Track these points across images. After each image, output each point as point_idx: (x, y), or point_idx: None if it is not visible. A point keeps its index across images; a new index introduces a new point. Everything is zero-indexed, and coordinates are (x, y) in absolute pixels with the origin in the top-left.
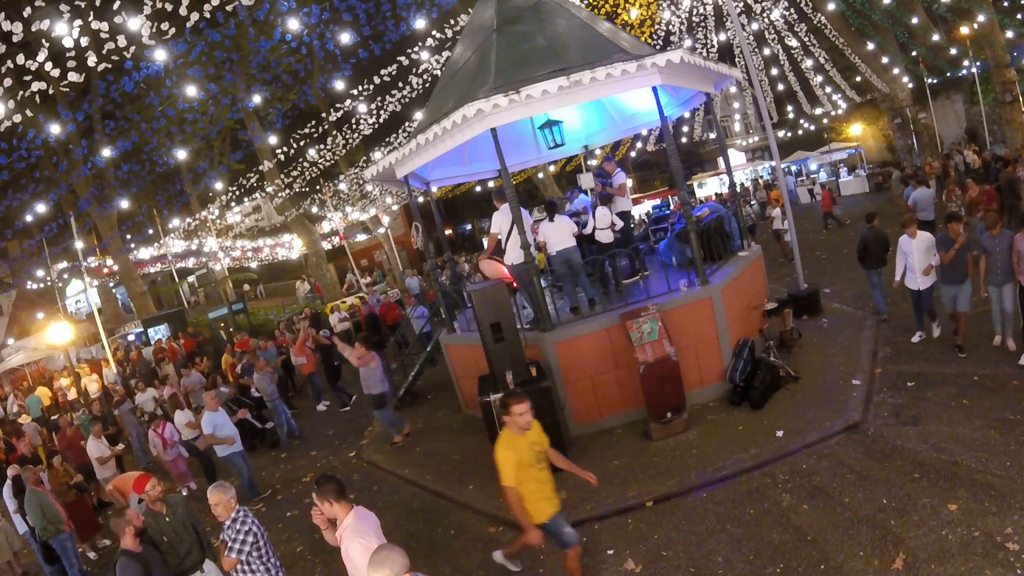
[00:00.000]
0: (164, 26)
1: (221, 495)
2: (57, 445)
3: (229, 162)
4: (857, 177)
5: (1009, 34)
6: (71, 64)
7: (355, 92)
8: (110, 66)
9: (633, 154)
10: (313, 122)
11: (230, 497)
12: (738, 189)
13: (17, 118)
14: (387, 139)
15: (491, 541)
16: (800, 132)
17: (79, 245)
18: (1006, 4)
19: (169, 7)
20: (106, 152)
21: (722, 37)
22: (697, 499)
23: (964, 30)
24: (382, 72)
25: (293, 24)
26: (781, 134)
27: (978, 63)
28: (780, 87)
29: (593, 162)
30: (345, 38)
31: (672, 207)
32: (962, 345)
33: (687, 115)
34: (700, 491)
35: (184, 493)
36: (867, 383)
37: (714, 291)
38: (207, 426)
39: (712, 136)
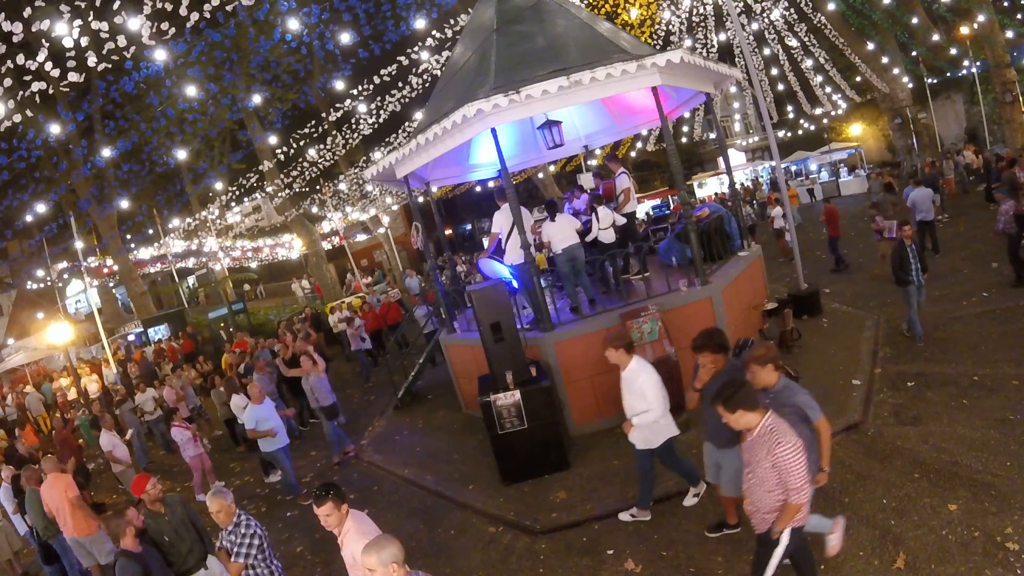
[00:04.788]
0: (164, 26)
1: (222, 501)
2: (54, 442)
3: (229, 162)
4: (857, 177)
5: (1009, 34)
6: (71, 64)
7: (355, 92)
8: (110, 66)
9: (633, 154)
10: (313, 122)
11: (230, 502)
12: (739, 189)
13: (17, 118)
14: (387, 139)
15: (491, 541)
16: (800, 132)
17: (79, 245)
18: (1006, 4)
19: (169, 7)
20: (106, 152)
21: (722, 37)
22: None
23: (964, 30)
24: (382, 72)
25: (293, 24)
26: (781, 134)
27: (978, 63)
28: (780, 87)
29: (593, 162)
30: (345, 38)
31: (672, 207)
32: (732, 523)
33: (687, 115)
34: None
35: (201, 499)
36: (867, 383)
37: (714, 291)
38: (249, 420)
39: (712, 136)
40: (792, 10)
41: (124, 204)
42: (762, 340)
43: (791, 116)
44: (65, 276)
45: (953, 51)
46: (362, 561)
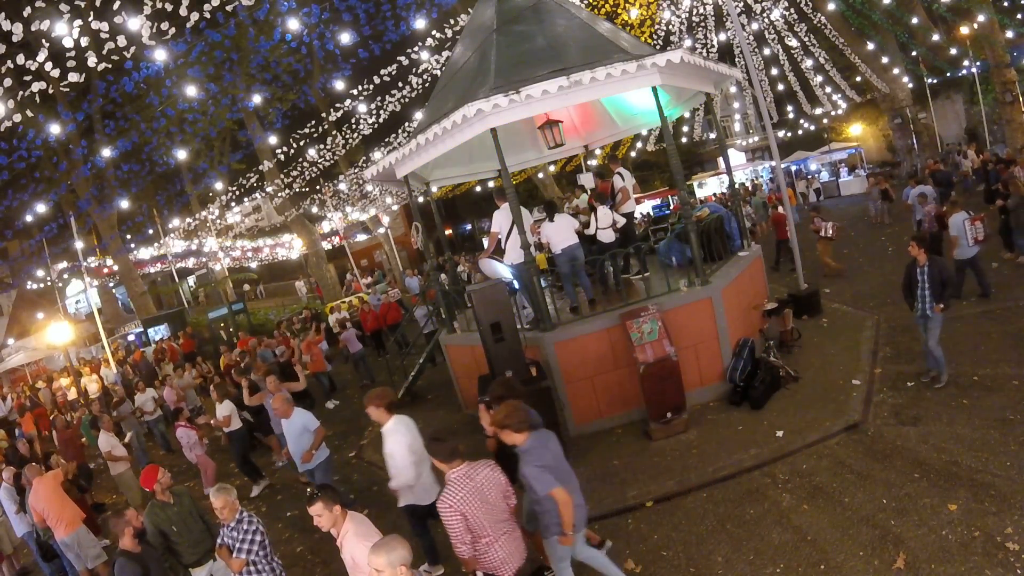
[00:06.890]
0: (164, 26)
1: (226, 497)
2: (56, 442)
3: (229, 162)
4: (857, 177)
5: (1009, 34)
6: (71, 64)
7: (355, 92)
8: (110, 66)
9: (633, 154)
10: (313, 122)
11: (234, 499)
12: (740, 190)
13: (17, 118)
14: (387, 139)
15: None
16: (800, 132)
17: (79, 245)
18: (1006, 4)
19: (169, 7)
20: (106, 152)
21: (722, 37)
22: (697, 499)
23: (964, 30)
24: (382, 72)
25: (293, 24)
26: (781, 134)
27: (978, 63)
28: (780, 87)
29: (593, 162)
30: (345, 38)
31: (672, 207)
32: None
33: (687, 115)
34: (700, 491)
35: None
36: (867, 383)
37: (714, 291)
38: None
39: (712, 136)
40: (792, 10)
41: (124, 204)
42: (761, 339)
43: (791, 116)
44: (65, 276)
45: (953, 51)
46: (370, 561)
